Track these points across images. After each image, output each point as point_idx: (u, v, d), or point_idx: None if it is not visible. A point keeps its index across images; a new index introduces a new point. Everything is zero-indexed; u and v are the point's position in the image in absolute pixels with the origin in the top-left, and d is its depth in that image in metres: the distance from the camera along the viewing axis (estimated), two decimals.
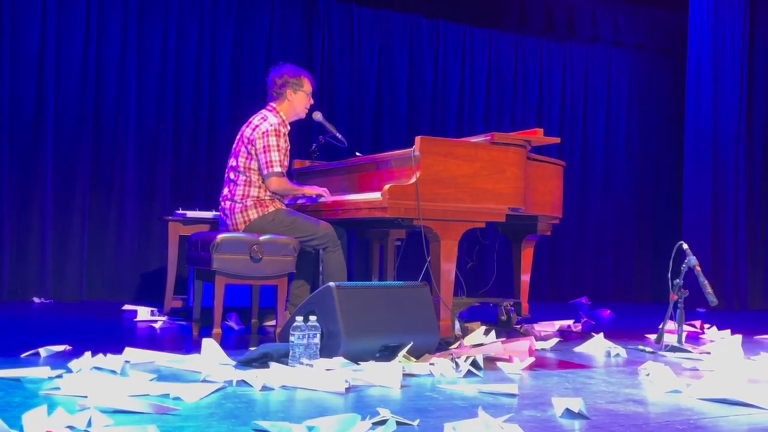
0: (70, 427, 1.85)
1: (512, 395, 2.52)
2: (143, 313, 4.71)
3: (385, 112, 6.88)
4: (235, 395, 2.37)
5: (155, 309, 4.88)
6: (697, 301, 5.78)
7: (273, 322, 4.29)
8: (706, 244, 7.11)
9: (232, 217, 3.90)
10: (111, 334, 3.90)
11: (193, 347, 3.34)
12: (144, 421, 1.97)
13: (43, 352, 3.01)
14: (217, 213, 4.26)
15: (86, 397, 2.17)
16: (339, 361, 2.82)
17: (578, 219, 7.69)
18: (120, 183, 5.93)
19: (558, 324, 4.79)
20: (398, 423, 2.03)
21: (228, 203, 3.92)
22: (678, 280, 3.81)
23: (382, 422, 1.98)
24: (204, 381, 2.54)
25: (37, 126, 5.67)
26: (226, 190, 3.97)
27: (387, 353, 3.05)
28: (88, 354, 2.78)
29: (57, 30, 5.74)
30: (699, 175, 7.29)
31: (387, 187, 3.48)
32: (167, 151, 6.04)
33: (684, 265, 3.84)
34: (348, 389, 2.50)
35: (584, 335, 4.33)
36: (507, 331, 4.43)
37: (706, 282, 3.79)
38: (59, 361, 2.81)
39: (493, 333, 3.76)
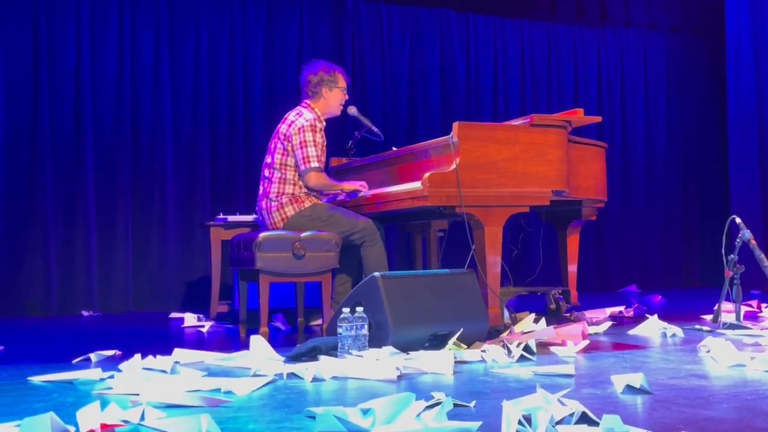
0: (125, 421, 1.84)
1: (569, 376, 2.45)
2: (190, 319, 4.73)
3: (419, 107, 6.84)
4: (286, 387, 2.34)
5: (201, 315, 4.89)
6: (752, 282, 5.62)
7: (319, 321, 4.26)
8: (756, 224, 6.90)
9: (269, 216, 3.89)
10: (159, 340, 3.91)
11: (241, 348, 3.32)
12: (197, 413, 1.95)
13: (93, 357, 3.02)
14: (258, 216, 4.25)
15: (138, 394, 2.16)
16: (388, 350, 2.78)
17: (622, 204, 7.56)
18: (160, 193, 5.97)
19: (609, 311, 4.67)
20: (454, 405, 1.97)
21: (264, 202, 3.91)
22: (732, 256, 3.69)
23: (437, 405, 1.93)
24: (254, 375, 2.51)
25: (77, 141, 5.74)
26: (261, 189, 3.96)
27: (437, 342, 3.00)
28: (138, 356, 2.79)
29: (92, 45, 5.81)
30: (744, 153, 7.08)
31: (427, 175, 3.43)
32: (205, 157, 6.08)
33: (738, 240, 3.72)
34: (400, 377, 2.46)
35: (637, 320, 4.21)
36: (557, 319, 4.34)
37: (762, 256, 3.65)
38: (110, 365, 2.82)
39: (543, 321, 3.68)
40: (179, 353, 2.92)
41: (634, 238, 7.63)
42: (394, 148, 4.36)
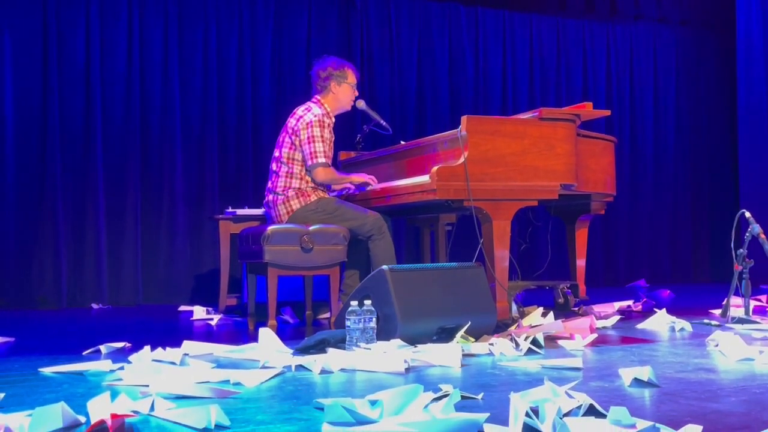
0: (134, 411, 1.86)
1: (577, 369, 2.45)
2: (199, 312, 4.75)
3: (428, 102, 6.84)
4: (295, 379, 2.36)
5: (210, 308, 4.91)
6: (762, 276, 5.59)
7: (327, 315, 4.27)
8: (766, 218, 6.84)
9: (275, 209, 3.91)
10: (169, 332, 3.93)
11: (250, 340, 3.34)
12: (206, 404, 1.96)
13: (103, 349, 3.04)
14: (265, 210, 4.27)
15: (148, 385, 2.18)
16: (396, 343, 2.79)
17: (631, 198, 7.54)
18: (170, 187, 5.99)
19: (617, 305, 4.66)
20: (462, 397, 1.98)
21: (271, 196, 3.94)
22: (742, 250, 3.67)
23: (445, 396, 1.94)
24: (263, 367, 2.53)
25: (87, 137, 5.77)
26: (269, 183, 3.98)
27: (444, 335, 3.01)
28: (147, 348, 2.80)
29: (101, 42, 5.82)
30: (754, 147, 7.06)
31: (435, 168, 3.43)
32: (214, 153, 6.10)
33: (747, 234, 3.71)
34: (408, 370, 2.47)
35: (645, 314, 4.21)
36: (565, 313, 4.34)
37: None
38: (120, 357, 2.84)
39: (551, 314, 3.68)
40: (188, 345, 2.94)
41: (642, 233, 7.61)
42: (402, 142, 4.36)
